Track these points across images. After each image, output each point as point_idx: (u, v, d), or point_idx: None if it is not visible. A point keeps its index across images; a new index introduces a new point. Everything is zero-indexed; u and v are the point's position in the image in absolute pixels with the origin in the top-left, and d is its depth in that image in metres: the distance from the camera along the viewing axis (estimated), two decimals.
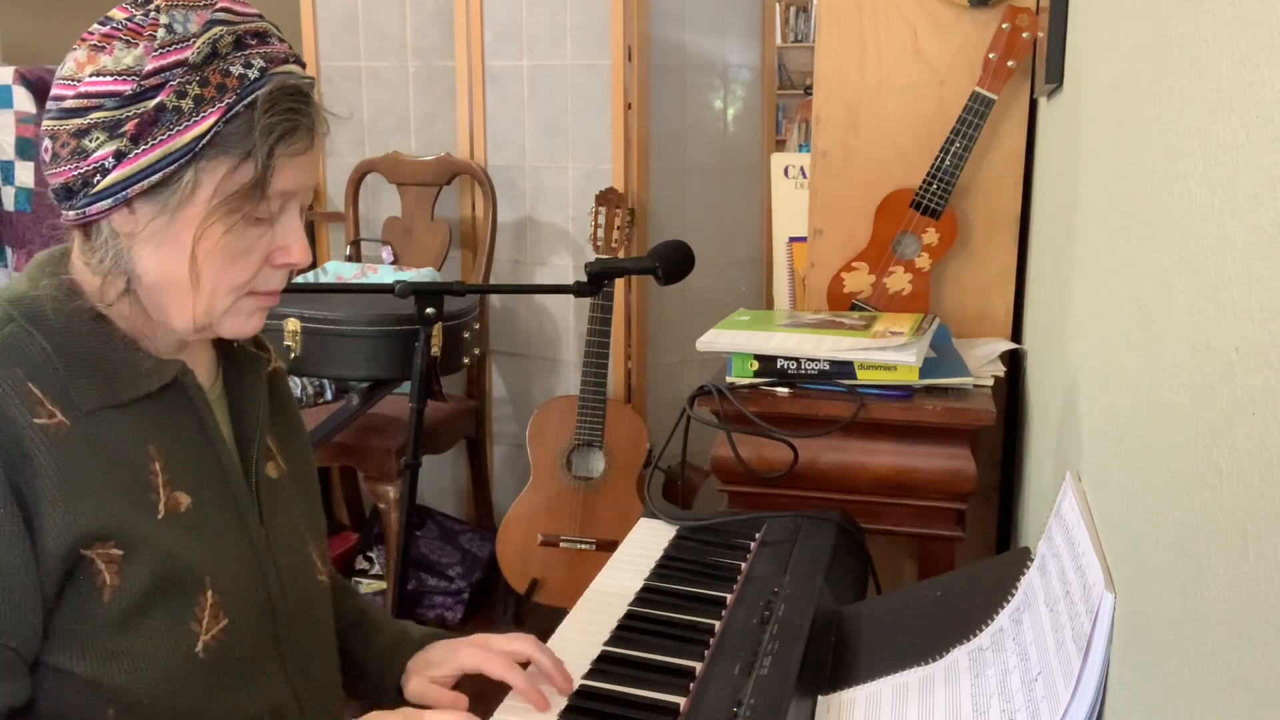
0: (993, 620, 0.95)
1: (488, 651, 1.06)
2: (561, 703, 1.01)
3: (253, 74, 0.88)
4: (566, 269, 2.96)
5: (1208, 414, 0.56)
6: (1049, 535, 0.94)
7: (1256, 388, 0.49)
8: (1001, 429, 1.87)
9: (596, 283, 1.73)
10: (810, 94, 2.78)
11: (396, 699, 1.12)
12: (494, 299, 3.04)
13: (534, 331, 3.02)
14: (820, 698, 1.00)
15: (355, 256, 3.01)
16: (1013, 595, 0.96)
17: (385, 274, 2.86)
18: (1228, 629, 0.51)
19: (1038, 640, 0.85)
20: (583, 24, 2.80)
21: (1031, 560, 0.96)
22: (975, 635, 0.96)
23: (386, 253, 2.98)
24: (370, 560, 2.98)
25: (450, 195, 2.99)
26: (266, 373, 1.07)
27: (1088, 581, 0.79)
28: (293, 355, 2.37)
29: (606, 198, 2.63)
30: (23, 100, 3.22)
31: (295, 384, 2.63)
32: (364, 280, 2.81)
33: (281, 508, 1.04)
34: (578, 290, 1.73)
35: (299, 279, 2.94)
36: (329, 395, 2.70)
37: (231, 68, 0.88)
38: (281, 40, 0.93)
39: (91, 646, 0.88)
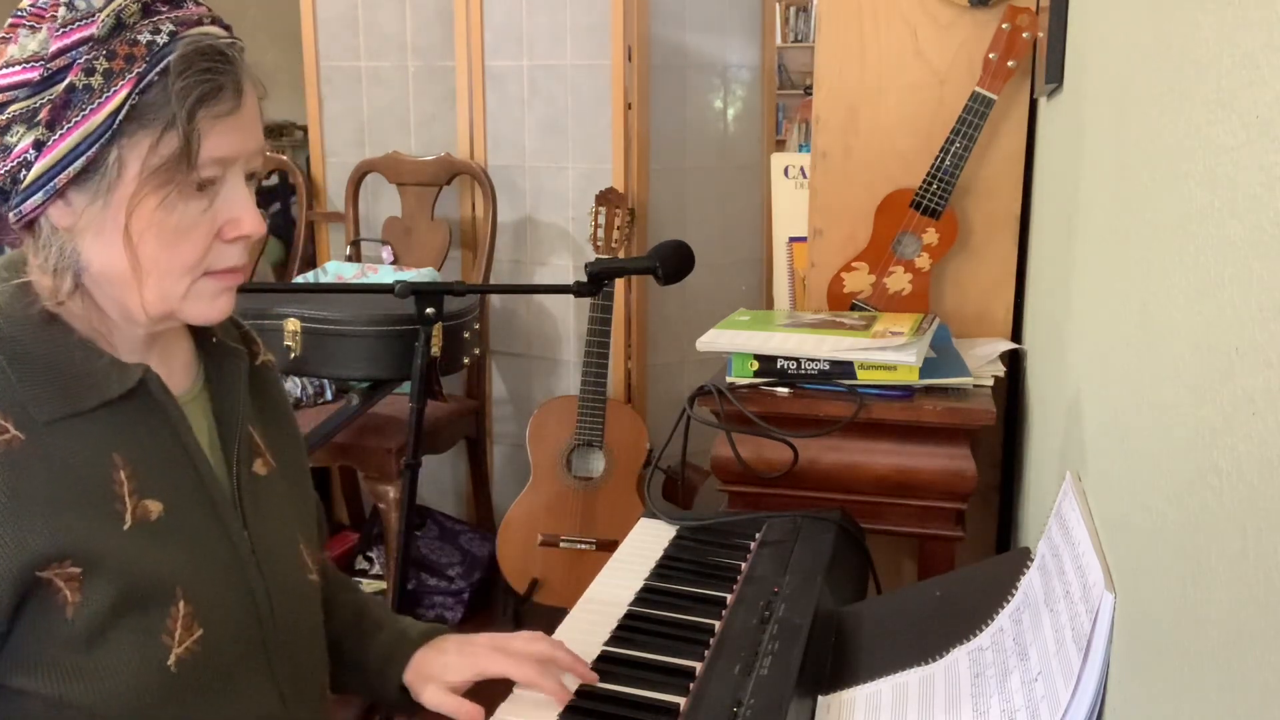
0: (993, 620, 0.95)
1: (510, 656, 1.04)
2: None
3: (161, 39, 0.84)
4: (566, 269, 2.96)
5: (1208, 414, 0.56)
6: (1049, 535, 0.94)
7: (1256, 388, 0.49)
8: (1001, 429, 1.87)
9: (596, 283, 1.73)
10: (810, 94, 2.78)
11: (398, 698, 1.10)
12: (494, 299, 3.04)
13: (534, 331, 3.02)
14: (820, 698, 1.00)
15: (355, 256, 3.01)
16: (1013, 595, 0.96)
17: (385, 274, 2.86)
18: (1228, 629, 0.51)
19: (1038, 640, 0.85)
20: (583, 24, 2.80)
21: (1031, 560, 0.96)
22: (975, 635, 0.96)
23: (386, 253, 2.98)
24: (370, 560, 2.98)
25: (450, 195, 2.99)
26: (250, 367, 1.03)
27: (1088, 581, 0.79)
28: (293, 355, 2.37)
29: (606, 198, 2.63)
30: None
31: (295, 384, 2.63)
32: (364, 280, 2.81)
33: (268, 506, 1.01)
34: (578, 290, 1.73)
35: (299, 279, 2.95)
36: (329, 395, 2.70)
37: (139, 36, 0.83)
38: (199, 3, 0.88)
39: (56, 665, 0.85)
